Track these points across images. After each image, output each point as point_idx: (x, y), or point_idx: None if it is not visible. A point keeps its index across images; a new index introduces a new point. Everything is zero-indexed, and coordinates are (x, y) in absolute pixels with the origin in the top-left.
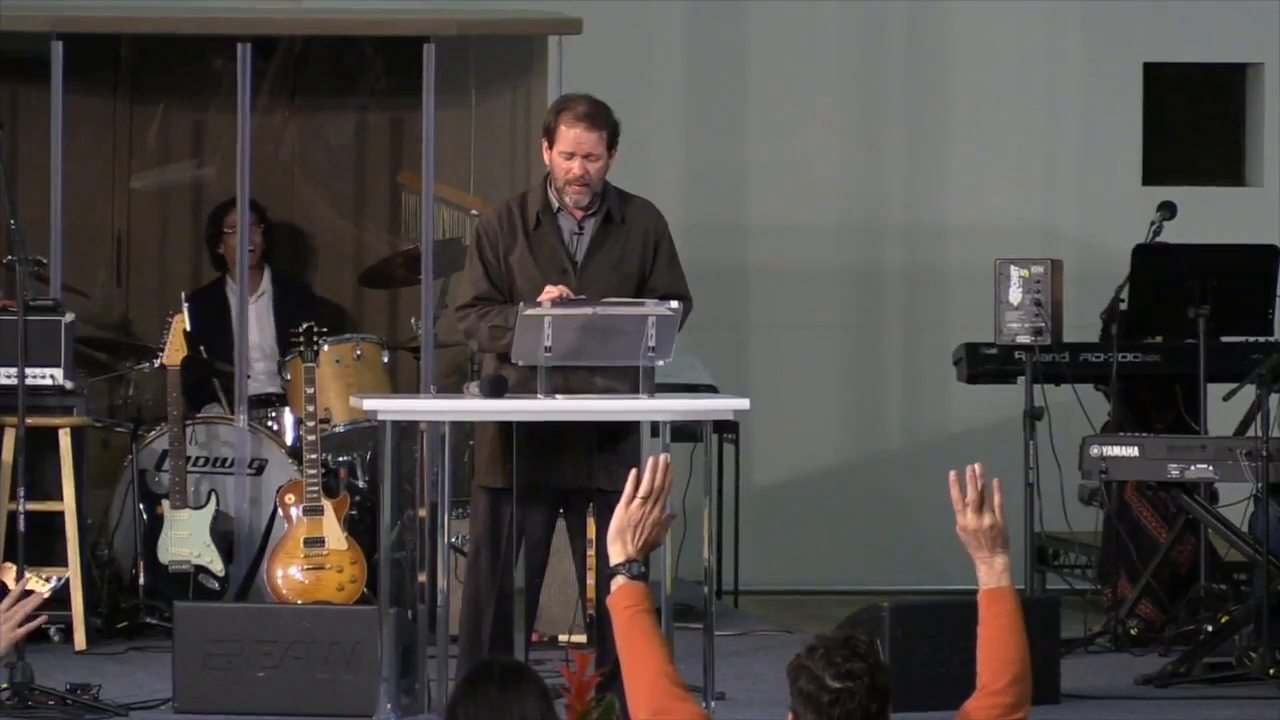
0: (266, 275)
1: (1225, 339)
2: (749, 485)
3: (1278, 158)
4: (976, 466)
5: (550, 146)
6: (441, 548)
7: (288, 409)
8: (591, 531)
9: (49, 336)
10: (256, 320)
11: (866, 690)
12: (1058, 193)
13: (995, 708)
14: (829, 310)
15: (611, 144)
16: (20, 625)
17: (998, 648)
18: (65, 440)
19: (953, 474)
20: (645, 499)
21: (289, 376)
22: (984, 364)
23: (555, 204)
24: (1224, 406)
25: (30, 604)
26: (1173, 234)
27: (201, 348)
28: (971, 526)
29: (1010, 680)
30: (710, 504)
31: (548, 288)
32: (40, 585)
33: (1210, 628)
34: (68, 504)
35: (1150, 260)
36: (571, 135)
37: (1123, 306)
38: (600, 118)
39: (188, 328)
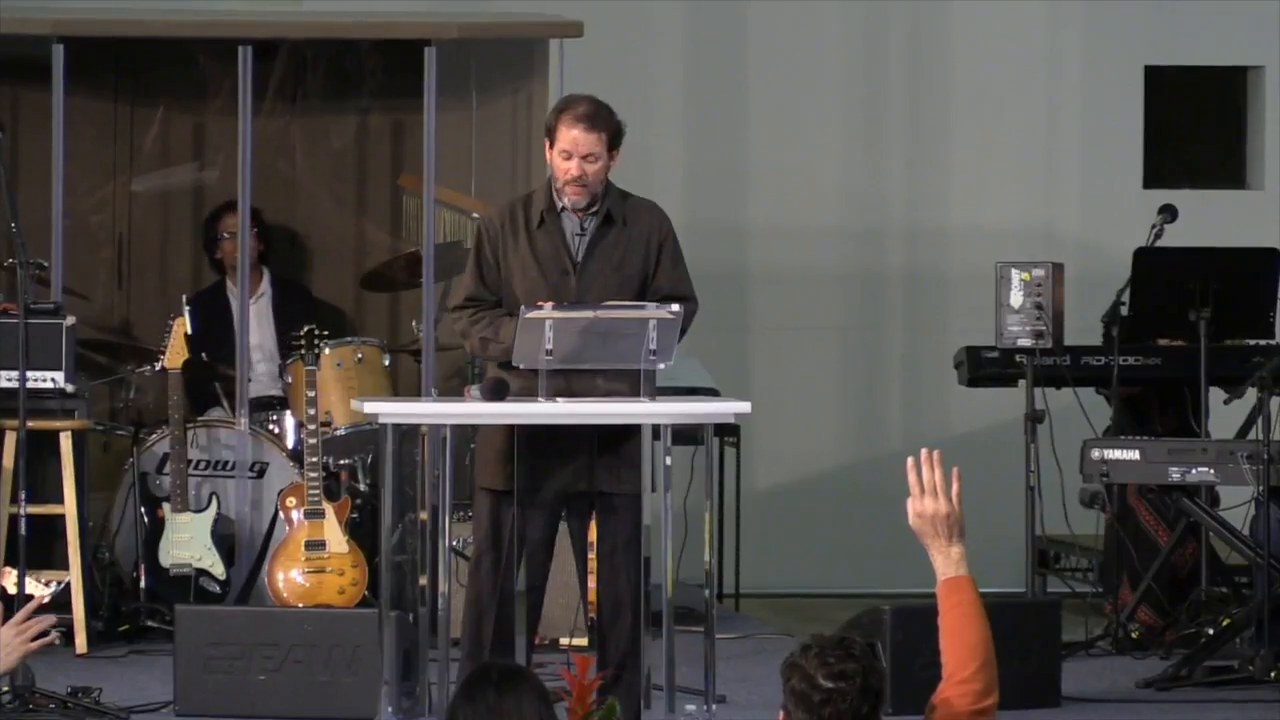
0: (265, 277)
1: (1226, 342)
2: (750, 488)
3: (1278, 160)
4: (934, 452)
5: (551, 146)
6: (443, 551)
7: (288, 412)
8: (593, 534)
9: (50, 339)
10: (256, 321)
11: (859, 691)
12: (1059, 196)
13: (967, 695)
14: (830, 313)
15: (613, 145)
16: (33, 640)
17: (962, 636)
18: (66, 443)
19: (910, 460)
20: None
21: (290, 379)
22: (985, 367)
23: (559, 204)
24: (1225, 410)
25: (45, 622)
26: (1173, 237)
27: (204, 354)
28: (928, 511)
29: (977, 667)
30: (711, 507)
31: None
32: (40, 590)
33: (1211, 631)
34: (69, 507)
35: (1151, 263)
36: (570, 136)
37: (1124, 310)
38: (600, 119)
39: (189, 330)
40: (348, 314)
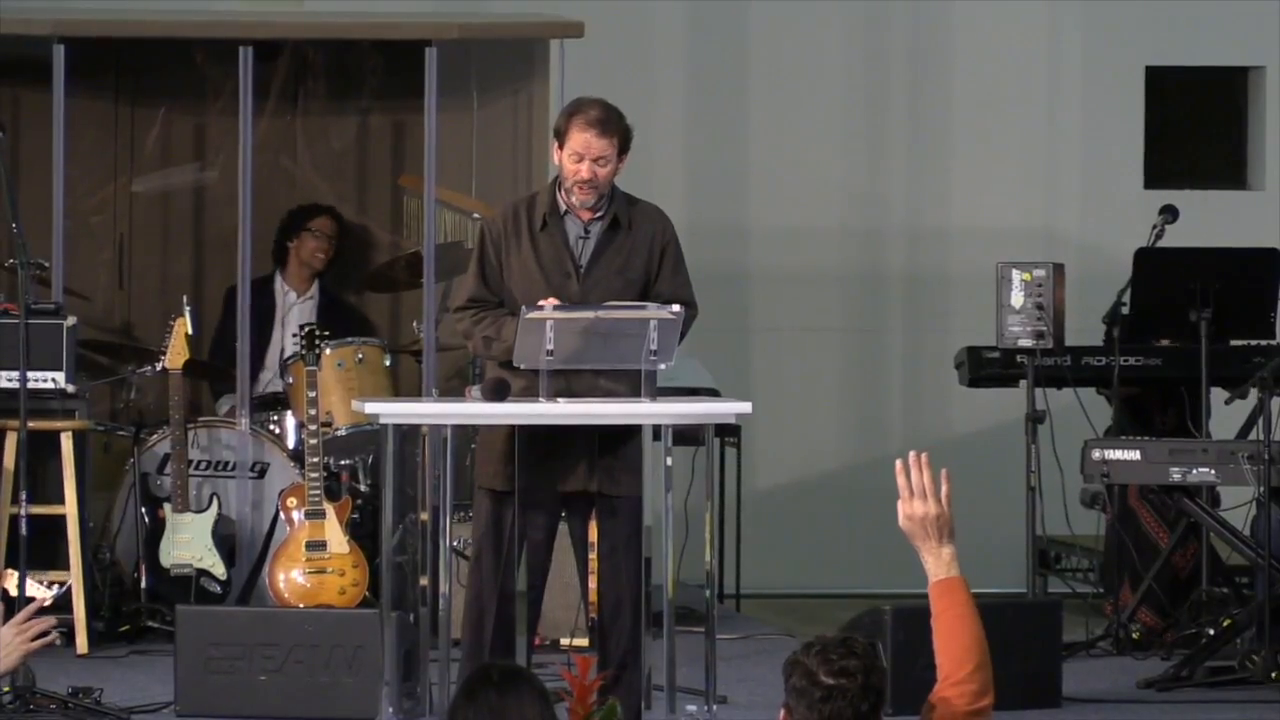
0: (316, 282)
1: (1228, 343)
2: (751, 489)
3: (1278, 161)
4: (922, 454)
5: (560, 147)
6: (443, 551)
7: (289, 412)
8: (593, 535)
9: (51, 340)
10: (298, 320)
11: (859, 688)
12: (1059, 196)
13: (963, 695)
14: (831, 313)
15: (623, 149)
16: (34, 640)
17: (956, 637)
18: (67, 444)
19: (899, 462)
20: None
21: (291, 379)
22: (985, 367)
23: (563, 206)
24: (1226, 410)
25: (46, 622)
26: (1174, 237)
27: (240, 344)
28: (918, 513)
29: (973, 667)
30: (712, 507)
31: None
32: (42, 592)
33: (1212, 631)
34: (69, 508)
35: (1152, 264)
36: (583, 139)
37: (1124, 310)
38: (612, 124)
39: (189, 331)
40: (381, 329)
